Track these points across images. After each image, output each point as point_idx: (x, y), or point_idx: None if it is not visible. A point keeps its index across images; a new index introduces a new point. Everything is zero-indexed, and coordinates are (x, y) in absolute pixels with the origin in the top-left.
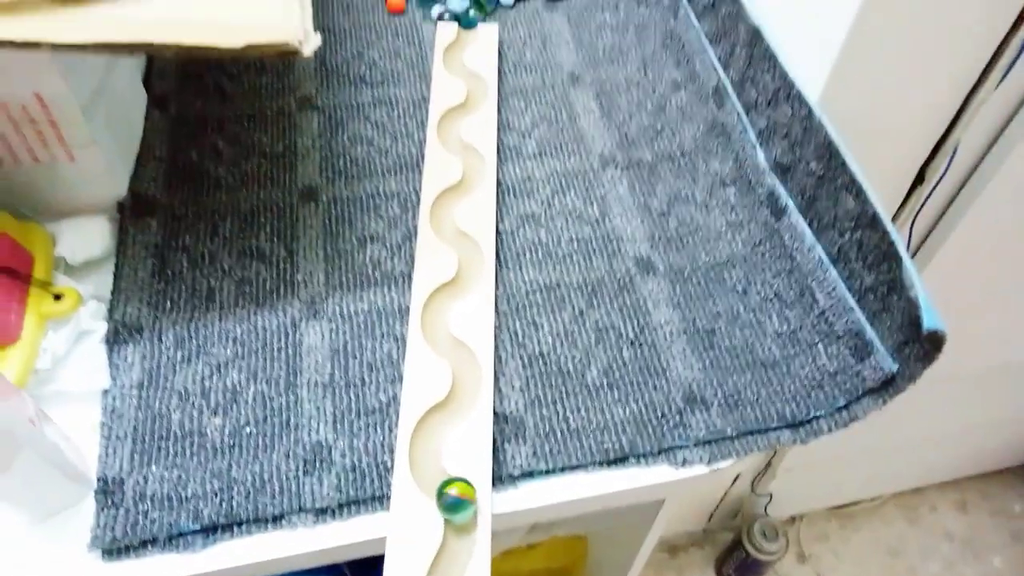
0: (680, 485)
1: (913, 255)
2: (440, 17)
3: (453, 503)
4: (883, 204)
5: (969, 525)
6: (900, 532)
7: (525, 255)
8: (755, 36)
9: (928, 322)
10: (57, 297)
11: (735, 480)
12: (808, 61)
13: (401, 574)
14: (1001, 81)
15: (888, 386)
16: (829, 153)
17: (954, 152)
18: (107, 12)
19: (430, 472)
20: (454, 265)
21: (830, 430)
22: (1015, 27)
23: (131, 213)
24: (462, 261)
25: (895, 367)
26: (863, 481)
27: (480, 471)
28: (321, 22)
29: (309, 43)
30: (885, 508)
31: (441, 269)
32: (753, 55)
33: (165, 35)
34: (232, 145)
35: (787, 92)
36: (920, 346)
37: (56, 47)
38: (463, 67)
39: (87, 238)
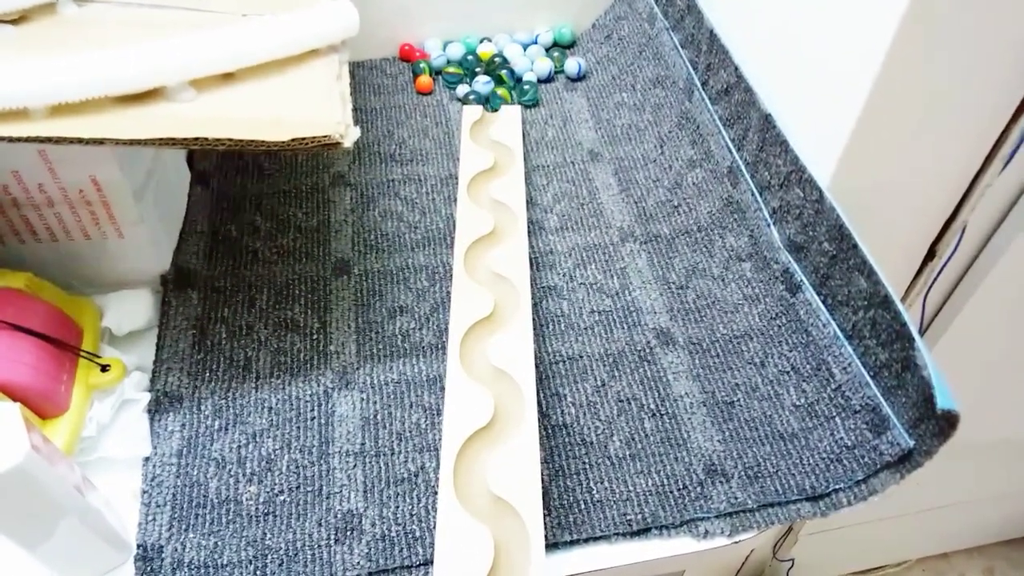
0: (701, 556)
1: (927, 327)
2: (466, 98)
3: None
4: (892, 280)
5: None
6: None
7: (548, 326)
8: (766, 122)
9: (941, 402)
10: (104, 368)
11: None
12: (819, 145)
13: None
14: (1004, 167)
15: (905, 461)
16: (840, 235)
17: (963, 231)
18: (164, 110)
19: (476, 495)
20: (490, 303)
21: (849, 503)
22: (1016, 117)
23: (174, 286)
24: (498, 299)
25: (912, 443)
26: (888, 546)
27: (529, 488)
28: (353, 102)
29: (349, 136)
30: (911, 573)
31: (477, 307)
32: (765, 139)
33: (217, 131)
34: (269, 220)
35: (798, 176)
36: (935, 424)
37: (117, 143)
38: (489, 140)
39: (132, 310)
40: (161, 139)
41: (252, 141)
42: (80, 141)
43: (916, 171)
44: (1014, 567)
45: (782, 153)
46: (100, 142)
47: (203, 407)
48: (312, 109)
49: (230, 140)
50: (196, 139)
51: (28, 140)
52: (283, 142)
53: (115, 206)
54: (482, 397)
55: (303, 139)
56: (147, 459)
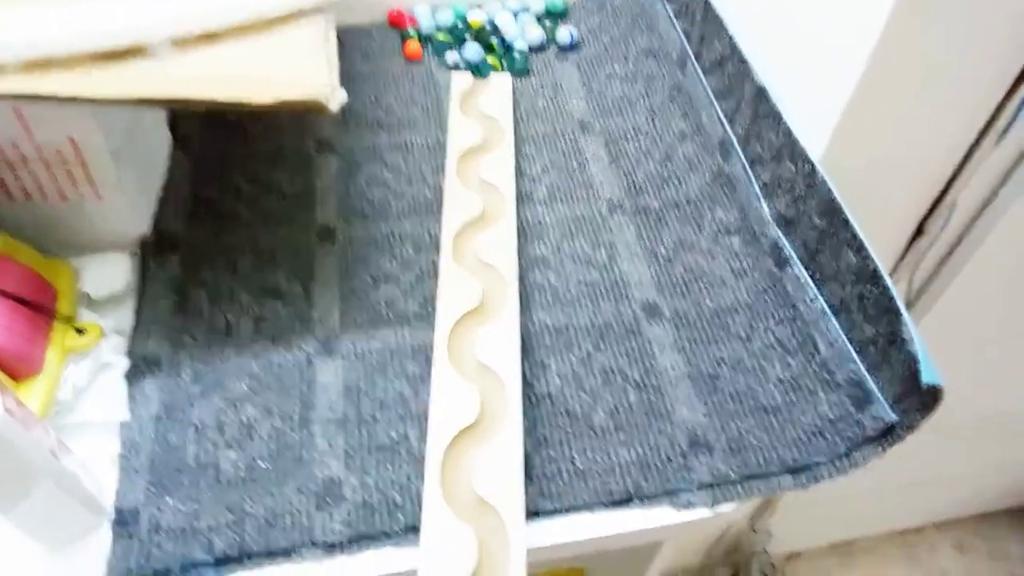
0: (682, 527)
1: (913, 304)
2: (455, 66)
3: None
4: (881, 257)
5: (967, 566)
6: (899, 571)
7: (534, 297)
8: (760, 95)
9: (926, 377)
10: (80, 331)
11: (735, 515)
12: (812, 119)
13: None
14: (999, 141)
15: (888, 435)
16: (831, 210)
17: (953, 207)
18: (143, 69)
19: (461, 494)
20: (478, 294)
21: (830, 476)
22: (1012, 91)
23: (153, 249)
24: (485, 290)
25: (894, 417)
26: (863, 519)
27: (512, 491)
28: (341, 68)
29: (336, 99)
30: (884, 546)
31: (465, 298)
32: (758, 112)
33: (198, 91)
34: (252, 184)
35: (791, 150)
36: (918, 398)
37: (95, 102)
38: (479, 111)
39: (110, 274)
40: (140, 98)
41: (235, 102)
42: (56, 99)
43: (909, 147)
44: (983, 540)
45: (775, 126)
46: (76, 100)
47: (182, 372)
48: (298, 70)
49: (212, 100)
50: (177, 99)
51: (2, 97)
52: (267, 104)
53: (93, 167)
54: (468, 395)
55: (288, 101)
56: (125, 423)
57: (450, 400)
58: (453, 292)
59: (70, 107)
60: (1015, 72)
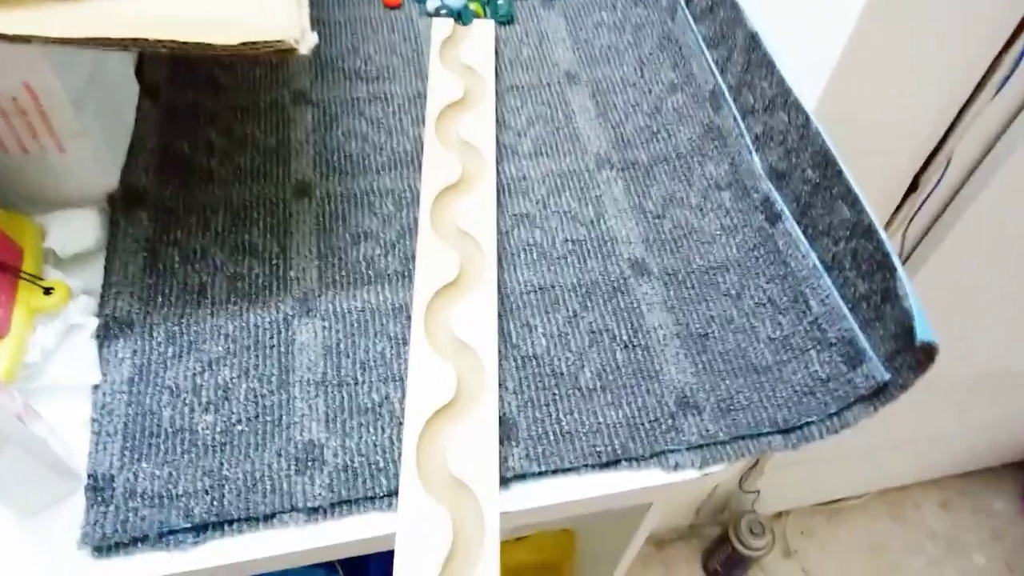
0: (671, 489)
1: (905, 261)
2: (437, 12)
3: None
4: (877, 214)
5: (951, 523)
6: (885, 528)
7: (519, 256)
8: (753, 42)
9: (921, 334)
10: (47, 291)
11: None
12: (806, 69)
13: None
14: (996, 94)
15: (880, 394)
16: (825, 162)
17: (948, 162)
18: (100, 7)
19: (436, 474)
20: (456, 266)
21: (821, 436)
22: (1011, 41)
23: (122, 206)
24: (463, 261)
25: (887, 376)
26: (849, 478)
27: (486, 473)
28: (316, 15)
29: (306, 41)
30: (871, 505)
31: (442, 270)
32: (751, 61)
33: (159, 31)
34: (225, 138)
35: (784, 99)
36: (912, 356)
37: (48, 42)
38: (460, 63)
39: (77, 231)
40: (96, 38)
41: (198, 44)
42: (4, 38)
43: (906, 98)
44: (968, 497)
45: (768, 75)
46: (27, 40)
47: (155, 333)
48: (265, 12)
49: (173, 42)
50: (136, 40)
51: None
52: (232, 46)
53: (53, 116)
54: (446, 373)
55: (255, 43)
56: (96, 387)
57: (427, 377)
58: (431, 264)
59: (23, 50)
60: (1013, 24)
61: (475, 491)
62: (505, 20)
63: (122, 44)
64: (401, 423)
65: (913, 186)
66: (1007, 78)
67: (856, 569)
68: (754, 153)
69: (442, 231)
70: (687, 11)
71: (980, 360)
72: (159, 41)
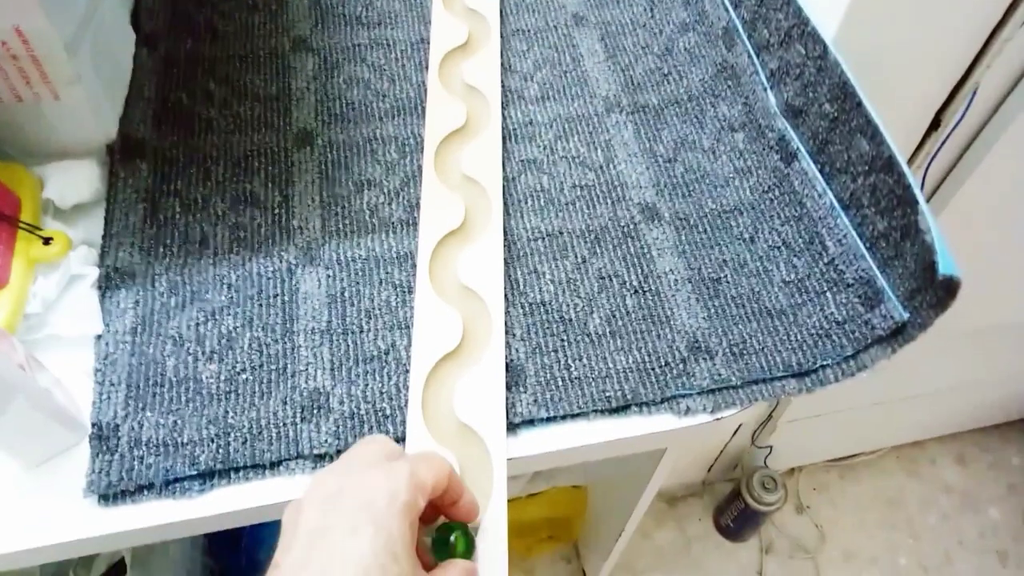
0: (683, 434)
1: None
2: None
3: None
4: (898, 147)
5: (967, 477)
6: (899, 484)
7: (527, 202)
8: None
9: (944, 267)
10: (46, 241)
11: (735, 432)
12: None
13: None
14: None
15: (898, 335)
16: (844, 94)
17: (972, 95)
18: None
19: (443, 420)
20: (461, 212)
21: (837, 379)
22: None
23: (121, 156)
24: (468, 208)
25: (906, 315)
26: (863, 434)
27: (493, 418)
28: None
29: None
30: (884, 461)
31: (447, 217)
32: None
33: None
34: (224, 86)
35: (801, 30)
36: (933, 293)
37: None
38: (463, 6)
39: (76, 181)
40: None
41: None
42: None
43: (929, 24)
44: (984, 451)
45: (784, 6)
46: None
47: (157, 283)
48: None
49: None
50: None
51: None
52: None
53: (46, 62)
54: (451, 319)
55: None
56: (99, 337)
57: (433, 324)
58: (435, 210)
59: None
60: None
61: (482, 436)
62: None
63: None
64: (407, 370)
65: (935, 123)
66: None
67: (870, 524)
68: (769, 90)
69: (447, 178)
70: None
71: (1001, 310)
72: None
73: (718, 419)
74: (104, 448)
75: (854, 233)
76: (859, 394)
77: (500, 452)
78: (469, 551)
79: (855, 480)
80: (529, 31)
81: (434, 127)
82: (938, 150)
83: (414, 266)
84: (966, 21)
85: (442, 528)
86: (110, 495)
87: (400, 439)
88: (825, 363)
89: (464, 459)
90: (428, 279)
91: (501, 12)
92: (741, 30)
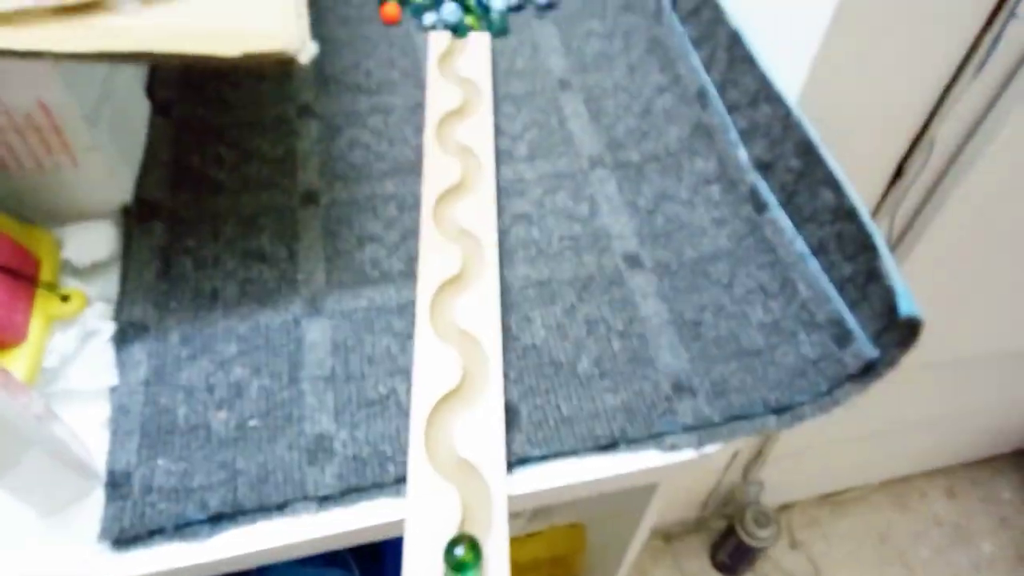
0: (670, 470)
1: (894, 247)
2: (434, 27)
3: (459, 563)
4: (861, 198)
5: (958, 511)
6: (890, 518)
7: (518, 253)
8: (734, 40)
9: (904, 309)
10: (64, 299)
11: (727, 468)
12: (787, 62)
13: (421, 557)
14: (975, 77)
15: (869, 372)
16: (808, 150)
17: (931, 148)
18: (108, 22)
19: (444, 456)
20: (458, 261)
21: (813, 415)
22: (987, 25)
23: (136, 217)
24: (466, 257)
25: (875, 353)
26: (853, 468)
27: (493, 454)
28: (319, 32)
29: (305, 51)
30: (875, 495)
31: (445, 265)
32: (734, 58)
33: (164, 44)
34: (234, 151)
35: (766, 93)
36: (898, 332)
37: (58, 57)
38: (457, 74)
39: (93, 241)
40: (104, 53)
41: (201, 56)
42: (15, 54)
43: (887, 86)
44: (975, 486)
45: (750, 70)
46: (38, 55)
47: (170, 336)
48: (266, 23)
49: (178, 54)
50: (141, 53)
51: None
52: (235, 57)
53: (67, 132)
54: (450, 360)
55: (256, 54)
56: (114, 389)
57: (433, 364)
58: (434, 259)
59: (35, 68)
60: (990, 7)
61: (482, 471)
62: (500, 32)
63: (129, 58)
64: (407, 413)
65: (899, 172)
66: (984, 62)
67: (863, 558)
68: (740, 146)
69: (445, 230)
70: (673, 15)
71: (975, 341)
72: (164, 54)
73: (702, 455)
74: (117, 495)
75: (824, 277)
76: (846, 427)
77: (500, 486)
78: (477, 559)
79: (846, 515)
80: (518, 96)
81: (431, 184)
82: (904, 196)
83: (413, 315)
84: (919, 82)
85: (452, 542)
86: (123, 540)
87: (401, 479)
88: (802, 400)
89: (466, 493)
90: (428, 322)
91: (492, 79)
92: (713, 92)
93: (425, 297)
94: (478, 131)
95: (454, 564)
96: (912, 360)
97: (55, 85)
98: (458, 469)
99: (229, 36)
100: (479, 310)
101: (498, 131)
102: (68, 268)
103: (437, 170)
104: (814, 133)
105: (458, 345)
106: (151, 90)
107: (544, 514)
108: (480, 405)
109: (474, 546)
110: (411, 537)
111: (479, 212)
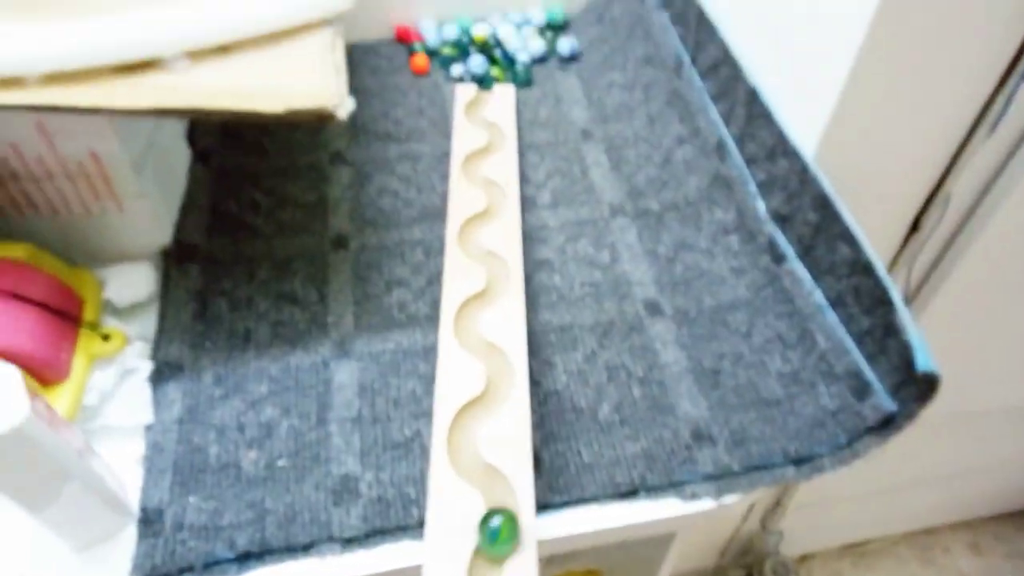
0: (689, 519)
1: (912, 298)
2: (461, 78)
3: (493, 533)
4: (877, 253)
5: (983, 568)
6: (913, 573)
7: (540, 299)
8: (752, 96)
9: (922, 364)
10: (105, 338)
11: (746, 517)
12: (804, 119)
13: (443, 567)
14: (989, 136)
15: (888, 425)
16: (824, 205)
17: (947, 203)
18: (160, 80)
19: (468, 461)
20: (483, 279)
21: (833, 467)
22: (1001, 85)
23: (175, 259)
24: (491, 276)
25: (894, 406)
26: (875, 519)
27: (520, 459)
28: (350, 83)
29: (344, 107)
30: (898, 548)
31: (470, 282)
32: (752, 113)
33: (212, 101)
34: (269, 196)
35: (783, 148)
36: (915, 387)
37: (115, 113)
38: (483, 120)
39: (133, 283)
40: (156, 109)
41: (247, 112)
42: (75, 110)
43: (901, 142)
44: (1000, 541)
45: (767, 126)
46: (96, 111)
47: (204, 376)
48: (306, 80)
49: (224, 111)
50: (191, 109)
51: (22, 108)
52: (277, 113)
53: (114, 180)
54: (475, 368)
55: (298, 110)
56: (149, 427)
57: (456, 373)
58: (458, 277)
59: (90, 120)
60: (1003, 66)
61: (508, 475)
62: (524, 83)
63: (179, 113)
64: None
65: (915, 226)
66: (999, 119)
67: None
68: (759, 198)
69: (469, 251)
70: (693, 70)
71: (995, 394)
72: (211, 110)
73: (721, 504)
74: (150, 532)
75: (842, 329)
76: (869, 478)
77: (528, 491)
78: (514, 534)
79: (868, 567)
80: (542, 145)
81: (456, 210)
82: (921, 250)
83: (437, 358)
84: (934, 139)
85: (488, 516)
86: None
87: (424, 522)
88: (821, 451)
89: (492, 500)
90: (452, 334)
91: (517, 129)
92: (732, 145)
93: (449, 312)
94: (503, 166)
95: (489, 534)
96: (931, 412)
97: (107, 135)
98: (483, 474)
99: (272, 93)
100: (504, 322)
101: (522, 178)
102: (109, 308)
103: (463, 199)
104: (830, 188)
105: (483, 356)
106: (192, 138)
107: (560, 559)
108: (506, 411)
109: (512, 519)
110: (433, 536)
111: (504, 235)
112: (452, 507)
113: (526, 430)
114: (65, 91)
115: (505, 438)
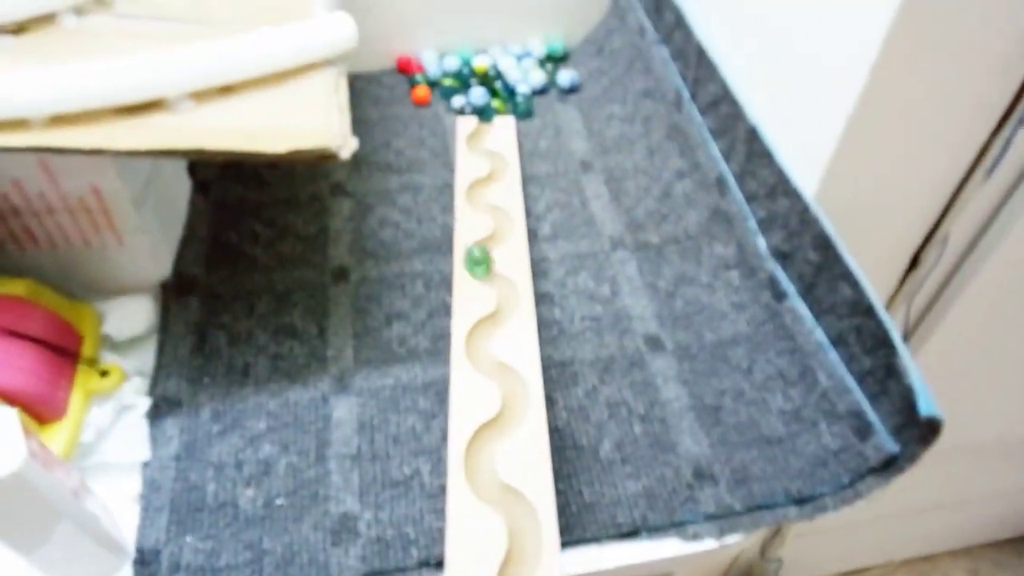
0: (691, 559)
1: (910, 334)
2: (462, 109)
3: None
4: (876, 289)
5: None
6: None
7: (540, 333)
8: (752, 134)
9: (924, 409)
10: (103, 374)
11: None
12: (804, 158)
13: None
14: (987, 178)
15: (890, 466)
16: (825, 245)
17: (945, 242)
18: (163, 121)
19: (487, 485)
20: (493, 300)
21: (836, 508)
22: (998, 128)
23: (174, 292)
24: (500, 297)
25: (896, 448)
26: (874, 546)
27: (540, 478)
28: (352, 113)
29: (347, 147)
30: (897, 575)
31: (480, 304)
32: (752, 151)
33: (215, 142)
34: (269, 228)
35: (784, 188)
36: (917, 430)
37: (119, 154)
38: (485, 150)
39: (132, 316)
40: (160, 150)
41: (250, 152)
42: (79, 151)
43: (900, 183)
44: (999, 568)
45: (768, 164)
46: (99, 152)
47: (202, 412)
48: (310, 121)
49: (228, 151)
50: (194, 150)
51: (28, 150)
52: (281, 153)
53: (115, 214)
54: (489, 389)
55: (301, 150)
56: (146, 464)
57: (470, 394)
58: (467, 299)
59: (92, 158)
60: (1001, 110)
61: (527, 494)
62: (525, 115)
63: (183, 154)
64: (430, 495)
65: (914, 263)
66: (996, 162)
67: None
68: (759, 235)
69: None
70: (692, 105)
71: (995, 426)
72: (216, 151)
73: (723, 544)
74: (145, 573)
75: (843, 368)
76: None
77: (550, 509)
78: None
79: None
80: (542, 176)
81: (463, 235)
82: (920, 286)
83: (438, 394)
84: (932, 179)
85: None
86: None
87: (423, 563)
88: (823, 491)
89: (512, 521)
90: (464, 357)
91: (518, 159)
92: (732, 181)
93: (460, 334)
94: (507, 193)
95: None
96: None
97: (108, 172)
98: (501, 495)
99: (275, 133)
100: (516, 342)
101: None
102: (107, 342)
103: (468, 225)
104: (831, 229)
105: (496, 377)
106: (192, 169)
107: None
108: (522, 432)
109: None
110: (454, 560)
111: (512, 257)
112: (472, 530)
113: (545, 449)
114: (70, 133)
115: (524, 458)
